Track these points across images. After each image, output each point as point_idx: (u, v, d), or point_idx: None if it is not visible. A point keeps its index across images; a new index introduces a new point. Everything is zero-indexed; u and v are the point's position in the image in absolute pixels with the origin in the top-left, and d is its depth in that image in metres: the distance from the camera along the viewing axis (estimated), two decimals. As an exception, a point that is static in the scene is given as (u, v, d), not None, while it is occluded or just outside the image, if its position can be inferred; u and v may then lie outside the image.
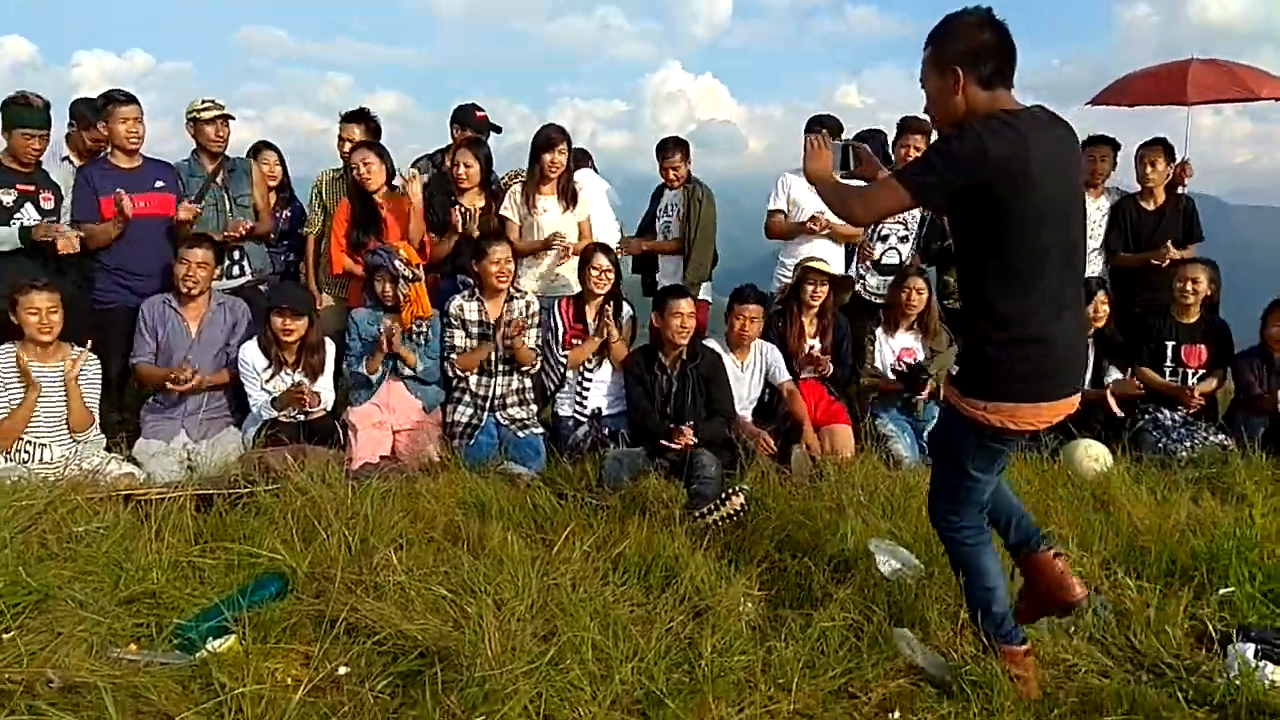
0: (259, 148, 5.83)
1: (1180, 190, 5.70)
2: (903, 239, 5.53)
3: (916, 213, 5.48)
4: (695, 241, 5.71)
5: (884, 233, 5.54)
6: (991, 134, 2.34)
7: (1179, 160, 5.66)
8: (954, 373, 2.60)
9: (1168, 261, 5.43)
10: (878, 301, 5.51)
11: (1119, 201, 5.79)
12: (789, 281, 5.27)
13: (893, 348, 5.21)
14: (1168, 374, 5.22)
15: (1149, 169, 5.62)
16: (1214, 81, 6.03)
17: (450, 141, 5.64)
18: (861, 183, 2.80)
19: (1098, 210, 5.75)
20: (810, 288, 5.05)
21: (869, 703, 2.59)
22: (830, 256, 5.29)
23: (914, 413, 4.95)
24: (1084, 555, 3.43)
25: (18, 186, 4.62)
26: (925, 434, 4.84)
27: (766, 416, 5.02)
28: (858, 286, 5.55)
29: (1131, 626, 2.91)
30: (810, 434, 4.71)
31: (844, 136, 2.86)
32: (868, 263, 5.59)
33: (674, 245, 5.84)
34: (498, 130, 5.64)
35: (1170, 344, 5.25)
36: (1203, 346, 5.23)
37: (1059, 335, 2.46)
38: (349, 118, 5.40)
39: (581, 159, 5.86)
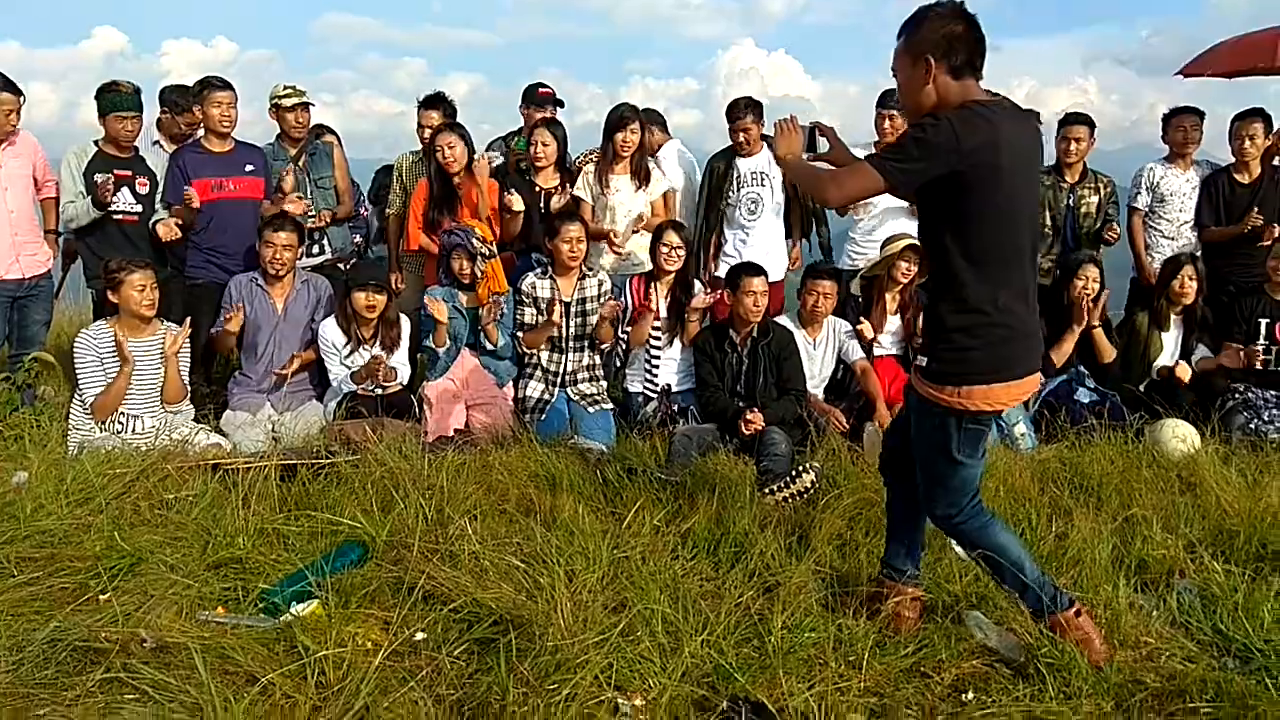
0: (320, 131, 5.95)
1: (1277, 163, 5.42)
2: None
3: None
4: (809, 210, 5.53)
5: None
6: (965, 124, 2.38)
7: (1276, 130, 5.38)
8: (922, 364, 2.60)
9: (1270, 237, 5.17)
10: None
11: (1211, 175, 5.53)
12: (870, 258, 5.16)
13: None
14: (1262, 351, 4.98)
15: (1246, 141, 5.36)
16: None
17: (521, 124, 5.68)
18: (828, 165, 2.82)
19: (1187, 183, 5.53)
20: (905, 265, 4.93)
21: (942, 683, 2.54)
22: (913, 232, 5.15)
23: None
24: (1169, 538, 3.31)
25: (115, 172, 4.78)
26: (1002, 414, 4.70)
27: (839, 394, 4.94)
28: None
29: (1218, 611, 2.79)
30: (884, 411, 4.61)
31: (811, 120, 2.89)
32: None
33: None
34: (561, 104, 5.64)
35: (1264, 321, 5.00)
36: (1298, 324, 4.98)
37: (1023, 319, 2.53)
38: (427, 103, 5.45)
39: (658, 122, 5.80)
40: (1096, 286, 5.05)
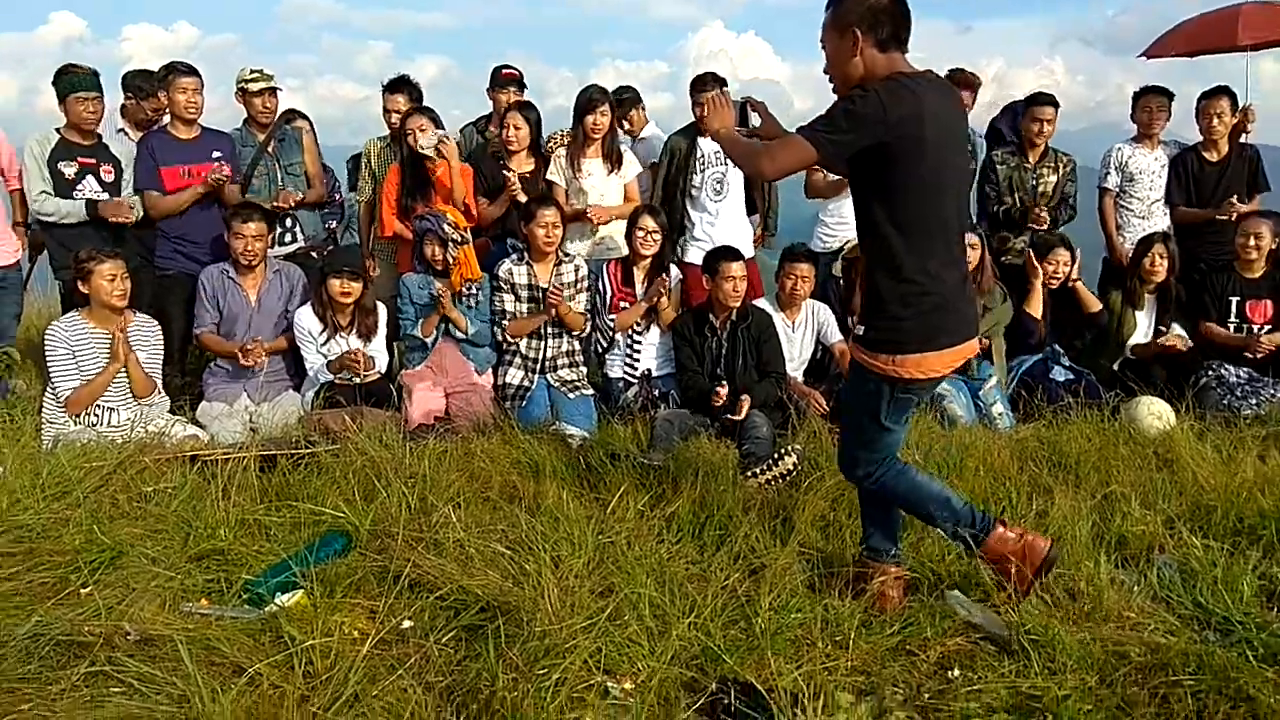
0: (290, 116, 5.87)
1: (1244, 140, 5.49)
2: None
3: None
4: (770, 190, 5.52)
5: None
6: (891, 94, 2.44)
7: (1241, 108, 5.45)
8: (859, 333, 2.70)
9: (1234, 216, 5.24)
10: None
11: (1179, 154, 5.61)
12: (843, 239, 5.18)
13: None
14: (1232, 330, 5.06)
15: (1214, 120, 5.43)
16: (1266, 21, 5.78)
17: (490, 109, 5.63)
18: (757, 140, 2.87)
19: (1156, 162, 5.60)
20: None
21: (928, 660, 2.57)
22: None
23: (968, 373, 4.86)
24: (1147, 514, 3.36)
25: (79, 159, 4.72)
26: (980, 393, 4.76)
27: (819, 376, 4.97)
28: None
29: (1198, 586, 2.83)
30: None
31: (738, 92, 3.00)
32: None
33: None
34: (524, 86, 5.59)
35: (1234, 299, 5.08)
36: (1268, 301, 5.05)
37: (954, 288, 2.61)
38: (392, 87, 5.36)
39: (633, 102, 5.76)
40: (1067, 270, 5.11)
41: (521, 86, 5.58)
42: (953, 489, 2.88)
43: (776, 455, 3.82)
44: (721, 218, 5.23)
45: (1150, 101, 5.55)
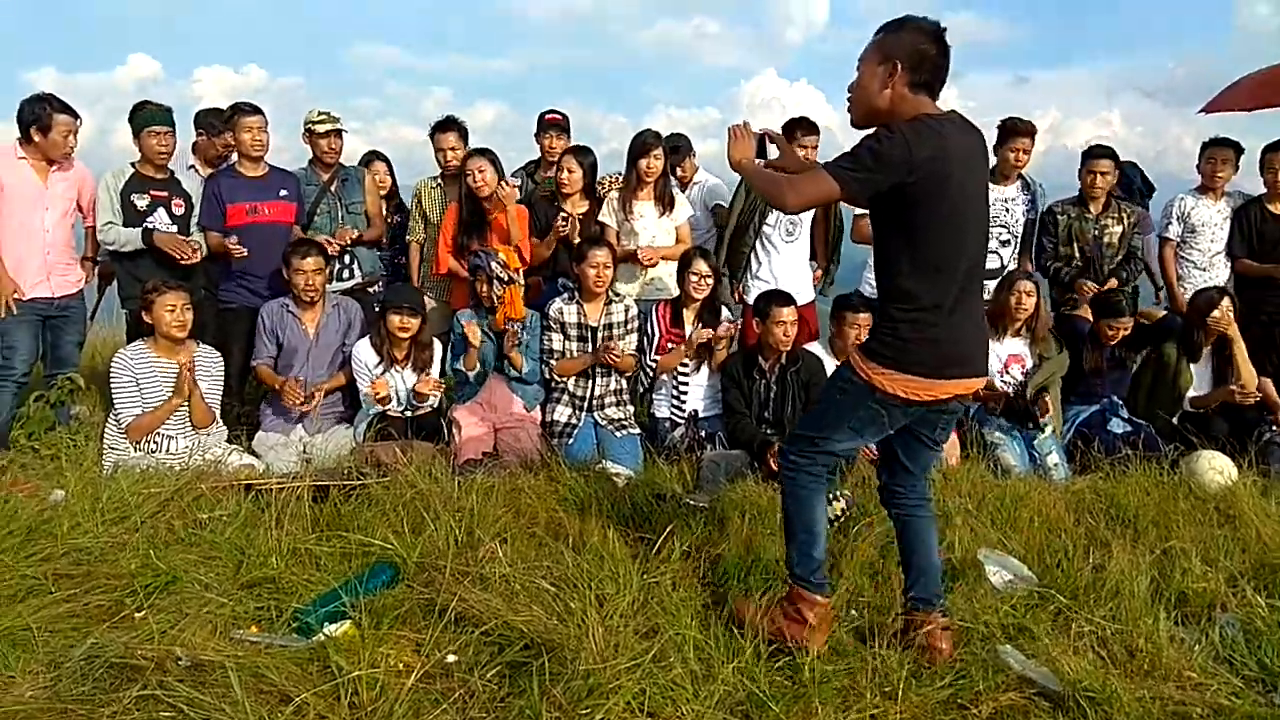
0: (370, 158, 6.03)
1: None
2: (1004, 242, 5.36)
3: (1020, 215, 5.36)
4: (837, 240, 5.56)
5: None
6: (917, 136, 2.48)
7: None
8: (862, 343, 2.75)
9: None
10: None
11: (1242, 206, 5.51)
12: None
13: (999, 354, 5.05)
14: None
15: (1278, 173, 5.33)
16: None
17: (539, 154, 5.78)
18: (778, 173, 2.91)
19: (1219, 214, 5.51)
20: None
21: (979, 715, 2.50)
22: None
23: (1031, 429, 4.77)
24: (1208, 571, 3.25)
25: (151, 192, 4.87)
26: (1034, 443, 4.67)
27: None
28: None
29: (1263, 646, 2.74)
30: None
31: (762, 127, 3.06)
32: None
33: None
34: (567, 131, 5.71)
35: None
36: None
37: (964, 326, 2.63)
38: (440, 127, 5.50)
39: (686, 150, 5.84)
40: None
41: (566, 131, 5.72)
42: (825, 538, 2.87)
43: (825, 500, 3.77)
44: (787, 260, 5.30)
45: (1216, 154, 5.49)
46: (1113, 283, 5.32)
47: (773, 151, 3.09)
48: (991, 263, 5.38)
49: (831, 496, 3.77)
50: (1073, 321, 5.34)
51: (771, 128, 3.13)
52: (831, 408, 2.79)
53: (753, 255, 5.32)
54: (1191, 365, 5.08)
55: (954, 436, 4.69)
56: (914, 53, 2.55)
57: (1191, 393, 5.06)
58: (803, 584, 2.80)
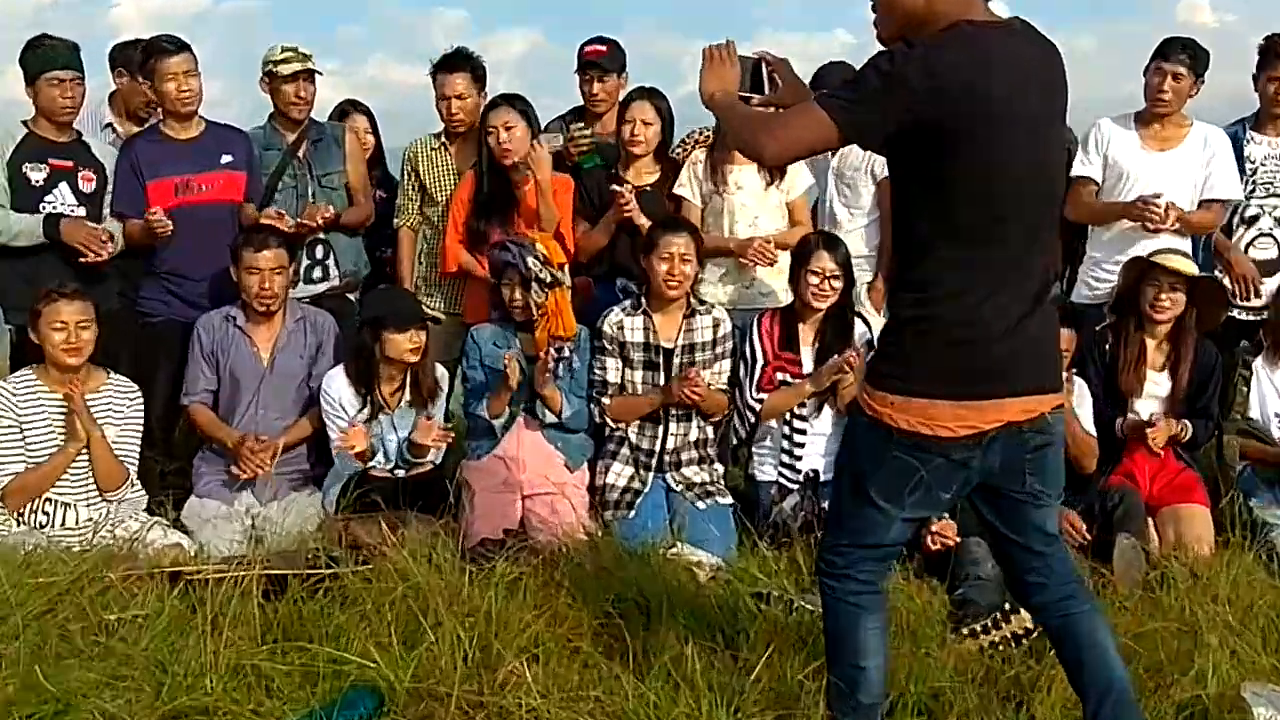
0: (345, 109, 6.15)
1: None
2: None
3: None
4: None
5: (1251, 213, 5.32)
6: (947, 54, 2.44)
7: None
8: (868, 360, 2.83)
9: None
10: (1251, 319, 5.29)
11: None
12: (1114, 285, 5.04)
13: (1279, 388, 4.92)
14: None
15: None
16: None
17: (581, 99, 5.74)
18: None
19: None
20: (1153, 291, 4.80)
21: None
22: (1181, 248, 5.01)
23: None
24: None
25: (50, 161, 4.92)
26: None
27: (1077, 488, 4.80)
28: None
29: None
30: (1145, 518, 4.50)
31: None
32: (1229, 259, 5.35)
33: None
34: (622, 68, 5.66)
35: None
36: None
37: (997, 322, 2.56)
38: (446, 65, 5.46)
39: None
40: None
41: (617, 69, 5.62)
42: (881, 680, 2.89)
43: (1007, 607, 3.72)
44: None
45: None
46: None
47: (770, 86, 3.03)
48: (1264, 250, 5.26)
49: (1009, 606, 3.71)
50: None
51: (770, 52, 3.06)
52: (847, 471, 2.80)
53: None
54: None
55: (1206, 514, 4.57)
56: None
57: None
58: None
